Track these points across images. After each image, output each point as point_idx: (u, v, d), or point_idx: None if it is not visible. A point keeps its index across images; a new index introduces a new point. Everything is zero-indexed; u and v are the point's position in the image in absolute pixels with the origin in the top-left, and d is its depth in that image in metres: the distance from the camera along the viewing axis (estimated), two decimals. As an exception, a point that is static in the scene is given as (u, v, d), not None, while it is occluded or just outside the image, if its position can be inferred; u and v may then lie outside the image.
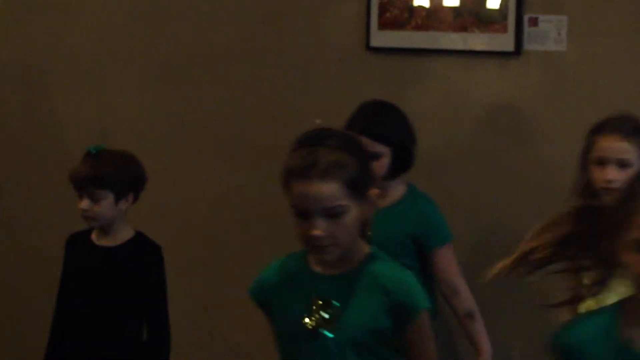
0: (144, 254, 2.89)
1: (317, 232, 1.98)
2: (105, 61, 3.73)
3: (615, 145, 2.66)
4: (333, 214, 1.99)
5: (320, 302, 2.06)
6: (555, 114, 3.36)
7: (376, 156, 2.80)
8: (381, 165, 2.84)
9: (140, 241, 2.91)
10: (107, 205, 2.82)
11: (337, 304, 2.05)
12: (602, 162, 2.68)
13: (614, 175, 2.62)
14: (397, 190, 2.96)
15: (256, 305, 2.20)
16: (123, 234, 2.90)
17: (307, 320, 2.06)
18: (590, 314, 1.84)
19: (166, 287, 2.92)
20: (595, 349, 1.73)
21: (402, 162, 2.92)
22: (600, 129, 2.73)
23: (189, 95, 3.66)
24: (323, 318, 2.05)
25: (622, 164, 2.64)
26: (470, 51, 3.37)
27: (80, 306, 2.88)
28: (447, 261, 2.95)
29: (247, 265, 3.53)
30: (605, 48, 3.29)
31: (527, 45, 3.33)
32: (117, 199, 2.83)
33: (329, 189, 1.98)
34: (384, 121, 2.91)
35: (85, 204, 2.81)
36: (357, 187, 2.01)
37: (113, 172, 2.82)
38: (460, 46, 3.37)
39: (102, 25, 3.72)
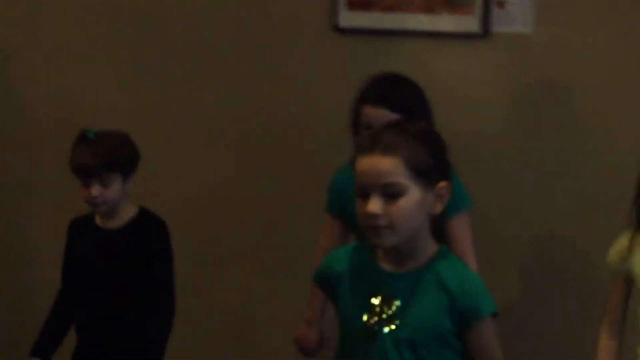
0: (149, 231, 2.88)
1: (372, 208, 1.93)
2: (75, 42, 3.61)
3: None
4: (390, 192, 1.94)
5: (382, 300, 2.02)
6: (521, 96, 3.39)
7: None
8: None
9: (144, 218, 2.89)
10: (116, 188, 2.82)
11: (399, 303, 2.00)
12: None
13: None
14: None
15: (322, 291, 2.19)
16: (127, 213, 2.89)
17: (366, 317, 2.02)
18: None
19: (172, 262, 2.89)
20: None
21: None
22: None
23: (157, 76, 3.58)
24: (383, 316, 2.01)
25: None
26: (439, 33, 3.40)
27: (92, 291, 2.86)
28: (464, 225, 2.85)
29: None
30: (572, 30, 3.35)
31: (495, 27, 3.37)
32: (124, 180, 2.84)
33: (389, 164, 1.94)
34: (401, 91, 2.84)
35: (96, 190, 2.79)
36: (422, 172, 1.96)
37: (121, 154, 2.83)
38: (428, 27, 3.39)
39: (71, 5, 3.62)
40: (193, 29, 3.56)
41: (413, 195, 1.95)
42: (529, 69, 3.39)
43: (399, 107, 2.76)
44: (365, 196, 1.96)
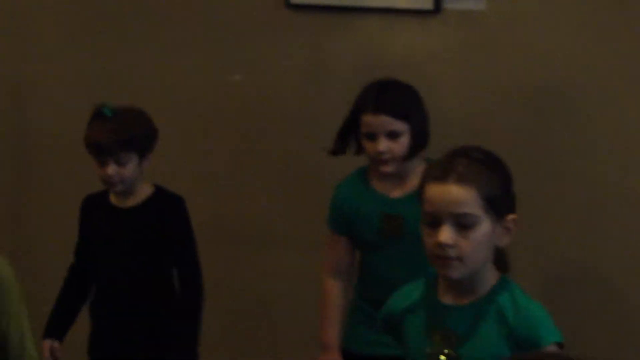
0: (166, 208, 2.86)
1: (443, 239, 1.89)
2: (23, 12, 3.62)
3: None
4: (463, 223, 1.91)
5: (444, 334, 1.99)
6: (474, 73, 3.39)
7: (396, 135, 2.79)
8: (402, 144, 2.80)
9: (161, 196, 2.87)
10: (133, 167, 2.77)
11: (460, 336, 1.98)
12: None
13: None
14: (419, 167, 2.80)
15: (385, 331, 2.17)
16: (143, 192, 2.86)
17: (429, 350, 2.00)
18: None
19: (194, 238, 2.87)
20: None
21: (421, 140, 2.85)
22: None
23: (107, 50, 3.58)
24: (445, 351, 1.99)
25: None
26: (392, 9, 3.38)
27: (109, 269, 2.85)
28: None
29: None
30: (524, 7, 3.33)
31: (447, 4, 3.35)
32: (141, 158, 2.80)
33: (464, 194, 1.91)
34: (399, 97, 2.86)
35: (112, 169, 2.74)
36: (495, 203, 1.93)
37: (138, 132, 2.78)
38: (382, 4, 3.37)
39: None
40: (142, 7, 3.56)
41: (485, 227, 1.92)
42: (481, 46, 3.37)
43: (399, 113, 2.79)
44: (435, 225, 1.92)
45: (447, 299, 2.01)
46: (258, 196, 3.49)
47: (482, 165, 1.96)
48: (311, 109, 3.42)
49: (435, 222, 1.92)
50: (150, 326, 2.81)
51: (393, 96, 2.84)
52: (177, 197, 2.87)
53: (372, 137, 2.79)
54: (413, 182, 2.68)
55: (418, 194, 2.01)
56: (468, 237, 1.90)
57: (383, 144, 2.77)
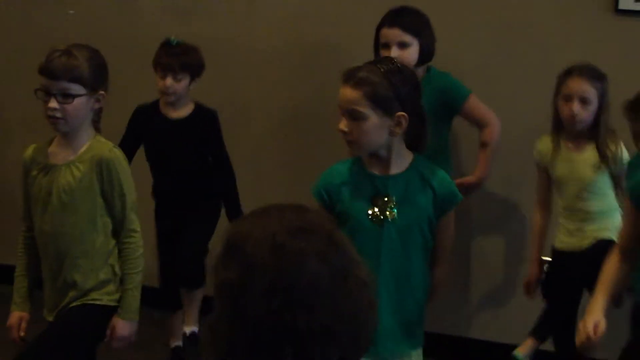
0: (205, 119, 3.84)
1: (341, 127, 2.60)
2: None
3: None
4: (354, 116, 2.57)
5: (384, 199, 2.63)
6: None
7: (405, 45, 3.46)
8: (411, 54, 3.46)
9: (200, 110, 3.84)
10: (184, 85, 3.73)
11: (395, 198, 2.63)
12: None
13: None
14: (422, 72, 3.54)
15: (319, 205, 2.68)
16: (188, 107, 3.82)
17: (370, 212, 2.63)
18: None
19: (223, 139, 3.88)
20: None
21: (426, 55, 3.52)
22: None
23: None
24: (386, 212, 2.63)
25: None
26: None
27: (164, 167, 3.85)
28: (476, 104, 3.65)
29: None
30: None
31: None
32: (191, 80, 3.75)
33: (354, 95, 2.56)
34: (412, 16, 3.52)
35: (169, 81, 3.70)
36: (382, 104, 2.55)
37: (195, 60, 3.75)
38: None
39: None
40: None
41: (372, 120, 2.56)
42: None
43: (409, 28, 3.46)
44: (342, 114, 2.61)
45: (375, 171, 2.67)
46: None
47: (380, 74, 2.56)
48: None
49: (342, 114, 2.60)
50: (198, 196, 3.87)
51: (406, 15, 3.51)
52: (212, 111, 3.86)
53: (386, 46, 3.47)
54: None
55: None
56: (359, 127, 2.56)
57: (395, 52, 3.42)
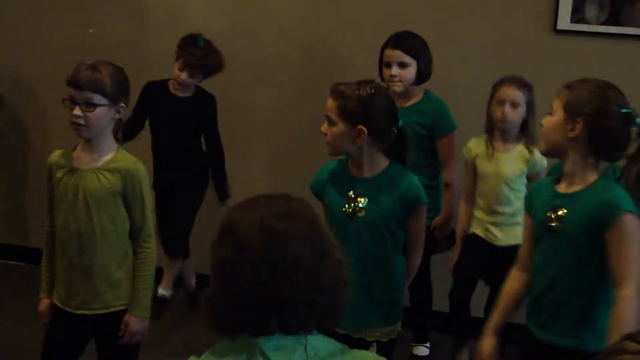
0: (205, 101, 4.35)
1: (322, 129, 2.94)
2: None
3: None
4: (329, 121, 2.92)
5: (354, 196, 2.94)
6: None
7: (405, 65, 3.87)
8: (409, 73, 3.89)
9: (202, 92, 4.36)
10: (197, 81, 4.30)
11: (366, 198, 2.93)
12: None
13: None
14: (419, 92, 4.01)
15: (314, 196, 3.03)
16: (193, 89, 4.34)
17: (346, 207, 2.95)
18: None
19: (217, 122, 4.37)
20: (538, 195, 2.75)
21: (424, 74, 3.93)
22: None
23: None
24: (357, 207, 2.93)
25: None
26: None
27: (165, 137, 4.37)
28: (450, 143, 4.02)
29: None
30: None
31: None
32: (204, 78, 4.30)
33: (331, 104, 2.91)
34: (413, 40, 3.91)
35: (184, 75, 4.23)
36: (347, 115, 2.87)
37: (214, 63, 4.25)
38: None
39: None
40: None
41: (339, 128, 2.90)
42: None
43: (409, 50, 3.87)
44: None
45: (355, 173, 2.97)
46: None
47: (354, 91, 2.86)
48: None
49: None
50: (191, 166, 4.40)
51: (407, 39, 3.91)
52: (211, 95, 4.37)
53: (388, 65, 3.90)
54: (415, 99, 3.99)
55: None
56: (331, 131, 2.90)
57: (395, 70, 3.86)
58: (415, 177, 3.00)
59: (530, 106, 3.87)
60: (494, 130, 3.93)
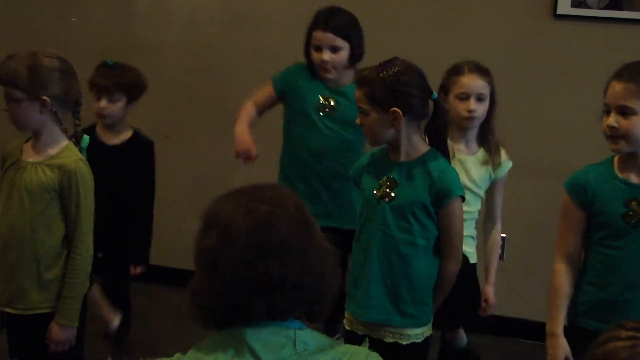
0: (140, 148, 3.71)
1: (357, 121, 2.90)
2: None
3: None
4: (361, 111, 2.84)
5: (386, 180, 2.86)
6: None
7: (337, 49, 3.52)
8: (341, 56, 3.55)
9: (137, 138, 3.71)
10: (120, 106, 3.62)
11: (397, 182, 2.84)
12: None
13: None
14: (351, 75, 3.48)
15: (353, 183, 3.03)
16: (126, 133, 3.72)
17: (375, 192, 2.87)
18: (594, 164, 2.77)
19: (154, 172, 3.77)
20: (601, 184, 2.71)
21: (356, 56, 3.58)
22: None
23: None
24: (386, 191, 2.85)
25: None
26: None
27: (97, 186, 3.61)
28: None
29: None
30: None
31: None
32: (128, 102, 3.64)
33: (358, 94, 2.83)
34: (343, 19, 3.56)
35: (103, 103, 3.57)
36: (378, 101, 2.77)
37: (131, 80, 3.62)
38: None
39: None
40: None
41: (373, 116, 2.80)
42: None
43: (341, 32, 3.51)
44: None
45: (392, 157, 2.88)
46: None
47: (379, 75, 2.76)
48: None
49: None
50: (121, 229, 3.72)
51: (338, 19, 3.54)
52: (149, 141, 3.73)
53: (319, 49, 3.54)
54: (347, 79, 3.58)
55: None
56: (366, 121, 2.83)
57: (327, 55, 3.52)
58: (452, 167, 2.89)
59: (493, 96, 3.31)
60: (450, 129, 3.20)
